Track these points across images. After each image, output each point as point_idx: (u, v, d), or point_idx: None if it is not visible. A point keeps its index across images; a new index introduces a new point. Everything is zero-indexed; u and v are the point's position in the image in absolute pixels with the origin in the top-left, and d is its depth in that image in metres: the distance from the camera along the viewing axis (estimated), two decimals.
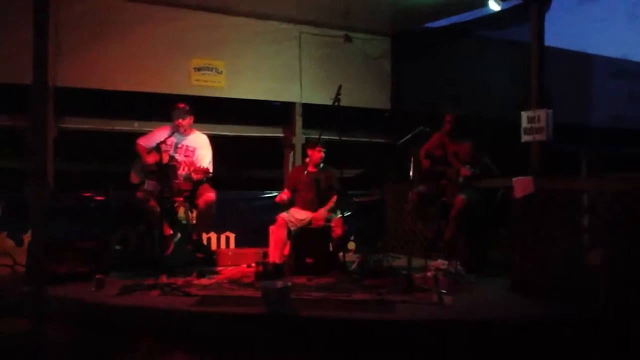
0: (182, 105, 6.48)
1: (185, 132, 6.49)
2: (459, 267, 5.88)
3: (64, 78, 6.70)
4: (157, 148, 5.92)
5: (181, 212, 6.52)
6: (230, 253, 7.11)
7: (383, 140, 8.54)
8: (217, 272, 6.41)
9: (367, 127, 8.67)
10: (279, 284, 4.78)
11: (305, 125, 8.24)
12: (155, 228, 6.16)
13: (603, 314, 4.60)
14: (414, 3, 7.40)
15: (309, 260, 6.27)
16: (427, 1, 7.33)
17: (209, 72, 7.75)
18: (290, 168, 8.00)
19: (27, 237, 6.52)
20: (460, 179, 6.09)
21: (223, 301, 5.03)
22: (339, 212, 6.49)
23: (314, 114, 8.14)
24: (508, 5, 6.95)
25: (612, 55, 11.35)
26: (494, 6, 6.93)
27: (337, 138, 6.33)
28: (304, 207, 6.62)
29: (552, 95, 6.51)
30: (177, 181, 6.26)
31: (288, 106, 8.34)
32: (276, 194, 7.06)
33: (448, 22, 8.09)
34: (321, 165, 6.72)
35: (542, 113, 6.02)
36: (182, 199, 6.40)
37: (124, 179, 6.47)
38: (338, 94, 6.14)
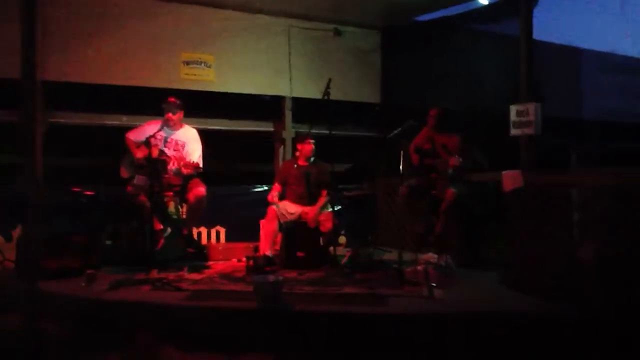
0: (173, 100, 6.46)
1: (175, 127, 6.48)
2: (449, 260, 5.90)
3: (53, 72, 6.66)
4: (147, 142, 5.90)
5: (171, 206, 6.52)
6: (221, 247, 7.11)
7: (373, 134, 8.55)
8: (208, 267, 6.41)
9: (357, 121, 8.67)
10: (271, 278, 4.79)
11: (296, 120, 8.23)
12: (145, 223, 6.15)
13: (591, 307, 4.64)
14: None
15: (299, 254, 6.29)
16: None
17: (199, 66, 7.72)
18: (281, 162, 8.00)
19: (15, 233, 6.50)
20: (450, 171, 6.11)
21: (215, 296, 5.03)
22: (329, 206, 6.50)
23: (304, 108, 8.13)
24: None
25: (602, 49, 11.35)
26: (483, 0, 6.95)
27: (327, 132, 6.33)
28: (295, 201, 6.63)
29: (543, 89, 6.54)
30: (166, 176, 6.25)
31: (278, 100, 8.32)
32: (267, 188, 7.06)
33: (438, 15, 8.10)
34: (312, 159, 6.72)
35: (531, 107, 6.03)
36: (172, 193, 6.39)
37: (114, 174, 6.45)
38: (328, 87, 6.13)
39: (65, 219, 6.68)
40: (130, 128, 6.61)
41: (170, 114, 6.37)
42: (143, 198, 6.08)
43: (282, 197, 6.71)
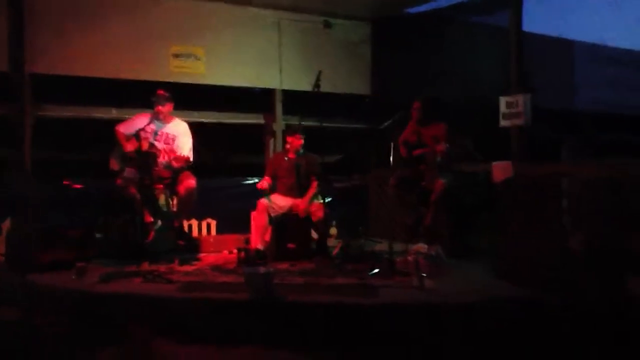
0: (161, 92, 6.44)
1: (165, 120, 6.46)
2: (439, 251, 5.92)
3: (41, 65, 6.63)
4: (137, 135, 5.88)
5: (162, 199, 6.50)
6: (211, 239, 7.10)
7: (364, 126, 8.56)
8: (199, 259, 6.41)
9: (347, 113, 8.68)
10: (262, 269, 4.79)
11: (286, 112, 8.23)
12: (136, 215, 6.14)
13: (581, 297, 4.67)
14: None
15: (290, 245, 6.30)
16: None
17: (188, 59, 7.71)
18: (272, 154, 7.99)
19: (5, 226, 6.47)
20: (438, 159, 6.12)
21: (206, 287, 5.02)
22: (320, 197, 6.50)
23: (294, 100, 8.12)
24: None
25: (594, 41, 11.39)
26: None
27: (317, 124, 6.33)
28: (285, 194, 6.63)
29: (533, 81, 6.57)
30: (157, 168, 6.24)
31: (268, 93, 8.32)
32: (257, 180, 7.04)
33: (429, 7, 8.10)
34: (301, 151, 6.72)
35: (520, 98, 6.07)
36: (162, 186, 6.37)
37: (104, 166, 6.42)
38: (318, 80, 6.12)
39: (55, 212, 6.66)
40: (119, 121, 6.59)
41: (159, 107, 6.35)
42: (133, 190, 6.07)
43: (272, 190, 6.71)
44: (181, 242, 6.67)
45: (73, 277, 5.21)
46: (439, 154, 6.09)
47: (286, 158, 6.72)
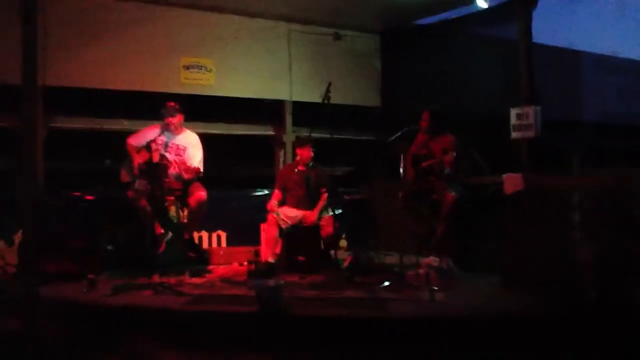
0: (171, 104, 6.46)
1: (176, 131, 6.47)
2: (450, 263, 5.90)
3: (53, 77, 6.65)
4: (148, 147, 5.90)
5: (172, 211, 6.51)
6: (222, 252, 7.11)
7: (373, 138, 8.56)
8: (209, 271, 6.41)
9: (357, 124, 8.68)
10: (272, 282, 4.79)
11: (296, 123, 8.23)
12: (146, 227, 6.15)
13: (592, 308, 4.65)
14: (403, 0, 7.41)
15: (300, 258, 6.30)
16: None
17: (199, 71, 7.73)
18: (281, 166, 8.00)
19: (17, 237, 6.49)
20: (446, 170, 6.12)
21: (216, 300, 5.04)
22: (329, 210, 6.50)
23: (304, 112, 8.13)
24: (496, 2, 6.99)
25: (602, 51, 11.36)
26: (481, 3, 6.97)
27: (327, 136, 6.34)
28: (295, 206, 6.63)
29: (542, 92, 6.55)
30: (167, 180, 6.25)
31: (278, 104, 8.33)
32: (267, 192, 7.05)
33: (437, 19, 8.11)
34: (311, 163, 6.72)
35: (530, 110, 6.06)
36: (173, 198, 6.38)
37: (114, 178, 6.45)
38: (328, 91, 6.14)
39: (65, 223, 6.68)
40: (130, 132, 6.61)
41: (170, 118, 6.37)
42: (144, 202, 6.08)
43: (282, 202, 6.71)
44: (191, 254, 6.68)
45: (84, 289, 5.22)
46: (446, 164, 6.08)
47: (296, 170, 6.72)
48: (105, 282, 5.42)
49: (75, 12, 6.93)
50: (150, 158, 5.91)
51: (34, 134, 6.44)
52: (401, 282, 5.36)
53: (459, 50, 7.65)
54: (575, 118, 9.97)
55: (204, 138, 6.71)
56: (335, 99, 6.26)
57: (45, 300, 4.75)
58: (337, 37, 8.32)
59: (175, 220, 6.50)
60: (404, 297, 5.00)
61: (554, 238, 5.16)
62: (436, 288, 4.91)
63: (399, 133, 6.21)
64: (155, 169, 6.04)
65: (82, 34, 6.98)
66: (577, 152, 6.46)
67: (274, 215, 6.45)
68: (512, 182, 5.50)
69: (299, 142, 6.92)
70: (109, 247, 6.47)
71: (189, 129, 6.65)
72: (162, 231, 6.36)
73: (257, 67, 8.05)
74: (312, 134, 6.57)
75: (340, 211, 7.00)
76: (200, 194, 6.25)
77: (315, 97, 6.87)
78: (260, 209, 6.84)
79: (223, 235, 7.54)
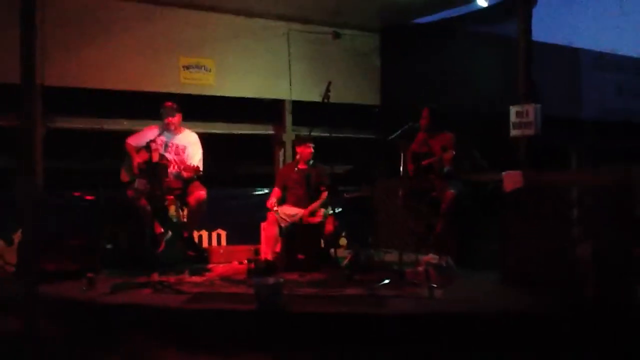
0: (169, 104, 6.47)
1: (175, 131, 6.48)
2: (449, 261, 5.90)
3: (53, 77, 6.66)
4: (147, 147, 5.91)
5: (172, 210, 6.52)
6: (221, 250, 7.12)
7: (373, 136, 8.56)
8: (208, 270, 6.42)
9: (356, 123, 8.68)
10: (271, 280, 4.79)
11: (295, 122, 8.24)
12: (146, 226, 6.16)
13: (592, 306, 4.65)
14: None
15: (300, 256, 6.30)
16: None
17: (198, 70, 7.74)
18: (281, 165, 8.01)
19: (17, 237, 6.50)
20: (446, 168, 6.12)
21: (216, 298, 5.04)
22: (330, 208, 6.50)
23: (303, 111, 8.14)
24: (496, 0, 7.00)
25: (601, 49, 11.38)
26: (481, 2, 6.97)
27: (327, 134, 6.34)
28: (295, 204, 6.63)
29: (540, 89, 6.55)
30: (167, 179, 6.26)
31: (278, 103, 8.34)
32: (267, 190, 7.05)
33: (437, 17, 8.11)
34: (311, 162, 6.73)
35: (530, 108, 6.05)
36: (172, 197, 6.39)
37: (114, 177, 6.45)
38: (327, 90, 6.14)
39: (65, 223, 6.68)
40: (130, 132, 6.62)
41: (169, 118, 6.38)
42: (144, 202, 6.09)
43: (282, 201, 6.72)
44: (191, 253, 6.69)
45: (83, 287, 5.22)
46: (446, 162, 6.08)
47: (296, 169, 6.73)
48: (104, 281, 5.42)
49: (75, 11, 6.94)
50: (150, 158, 5.92)
51: (33, 133, 6.47)
52: (400, 280, 5.35)
53: (459, 49, 7.65)
54: (573, 115, 9.97)
55: (204, 138, 6.72)
56: (335, 97, 6.26)
57: (44, 299, 4.77)
58: (337, 36, 8.31)
59: (175, 220, 6.51)
60: (403, 294, 5.00)
61: (553, 236, 5.17)
62: (435, 285, 4.91)
63: (399, 131, 6.21)
64: (155, 169, 6.05)
65: (82, 33, 6.99)
66: (575, 148, 6.46)
67: (274, 213, 6.46)
68: (511, 179, 5.51)
69: (298, 141, 6.93)
70: (109, 246, 6.47)
71: (188, 128, 6.66)
72: (162, 230, 6.38)
73: (257, 67, 8.05)
74: (312, 133, 6.58)
75: (340, 209, 7.00)
76: (199, 193, 6.26)
77: (314, 96, 6.88)
78: (260, 208, 6.85)
79: (223, 234, 7.55)
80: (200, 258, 6.80)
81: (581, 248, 4.90)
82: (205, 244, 7.43)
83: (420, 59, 8.02)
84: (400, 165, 5.98)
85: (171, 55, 7.54)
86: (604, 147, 9.48)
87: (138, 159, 6.25)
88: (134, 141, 6.41)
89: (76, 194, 6.96)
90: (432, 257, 6.04)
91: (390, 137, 6.22)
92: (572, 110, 9.97)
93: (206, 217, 6.62)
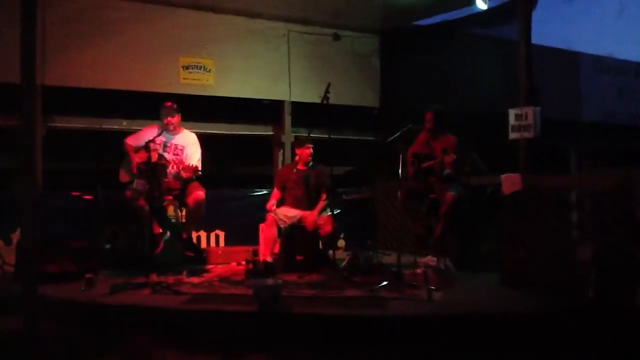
0: (169, 104, 6.48)
1: (174, 131, 6.49)
2: (448, 263, 5.91)
3: (52, 77, 6.67)
4: (146, 147, 5.91)
5: (170, 210, 6.53)
6: (220, 251, 7.12)
7: (372, 138, 8.56)
8: (207, 271, 6.40)
9: (356, 124, 8.68)
10: (270, 281, 4.79)
11: (295, 124, 8.24)
12: (145, 227, 6.15)
13: (592, 308, 4.66)
14: (403, 1, 7.41)
15: (299, 257, 6.30)
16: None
17: (198, 71, 7.74)
18: (280, 166, 8.01)
19: (15, 236, 6.49)
20: (446, 171, 6.12)
21: (214, 299, 5.03)
22: (328, 209, 6.50)
23: (303, 112, 8.14)
24: (495, 3, 7.00)
25: (600, 52, 11.40)
26: (481, 5, 6.97)
27: (326, 136, 6.34)
28: (294, 206, 6.63)
29: (541, 92, 6.56)
30: (166, 180, 6.26)
31: (277, 104, 8.34)
32: (266, 191, 7.04)
33: (437, 20, 8.12)
34: (310, 163, 6.73)
35: (529, 110, 6.05)
36: (171, 197, 6.39)
37: (113, 177, 6.45)
38: (327, 92, 6.14)
39: (64, 223, 6.69)
40: (129, 132, 6.62)
41: (169, 118, 6.38)
42: (142, 202, 6.09)
43: (281, 202, 6.72)
44: (190, 254, 6.69)
45: (82, 288, 5.21)
46: (447, 165, 6.08)
47: (295, 170, 6.73)
48: (103, 282, 5.41)
49: (75, 11, 6.94)
50: (149, 158, 5.92)
51: (33, 133, 6.47)
52: (399, 282, 5.35)
53: (459, 51, 7.66)
54: (573, 118, 9.99)
55: (203, 138, 6.73)
56: (334, 99, 6.25)
57: (44, 299, 4.77)
58: (336, 37, 8.33)
59: (173, 220, 6.52)
60: (401, 296, 5.00)
61: (553, 238, 5.18)
62: (434, 287, 4.92)
63: (398, 133, 6.22)
64: (154, 169, 6.04)
65: (82, 33, 6.99)
66: (575, 151, 6.47)
67: (273, 215, 6.46)
68: (510, 181, 5.51)
69: (297, 142, 6.93)
70: (108, 247, 6.46)
71: (188, 129, 6.66)
72: (161, 231, 6.38)
73: (256, 68, 8.05)
74: (311, 134, 6.58)
75: (338, 211, 7.00)
76: (198, 193, 6.26)
77: (314, 97, 6.87)
78: (259, 209, 6.84)
79: (221, 234, 7.56)
80: (199, 259, 6.80)
81: (581, 249, 4.91)
82: (203, 244, 7.45)
83: (419, 61, 8.03)
84: (399, 168, 5.98)
85: (171, 55, 7.54)
86: (604, 149, 9.49)
87: (137, 159, 6.25)
88: (132, 141, 6.41)
89: (75, 194, 6.95)
90: (430, 259, 6.06)
91: (389, 139, 6.23)
92: (572, 113, 9.99)
93: (205, 218, 6.62)
